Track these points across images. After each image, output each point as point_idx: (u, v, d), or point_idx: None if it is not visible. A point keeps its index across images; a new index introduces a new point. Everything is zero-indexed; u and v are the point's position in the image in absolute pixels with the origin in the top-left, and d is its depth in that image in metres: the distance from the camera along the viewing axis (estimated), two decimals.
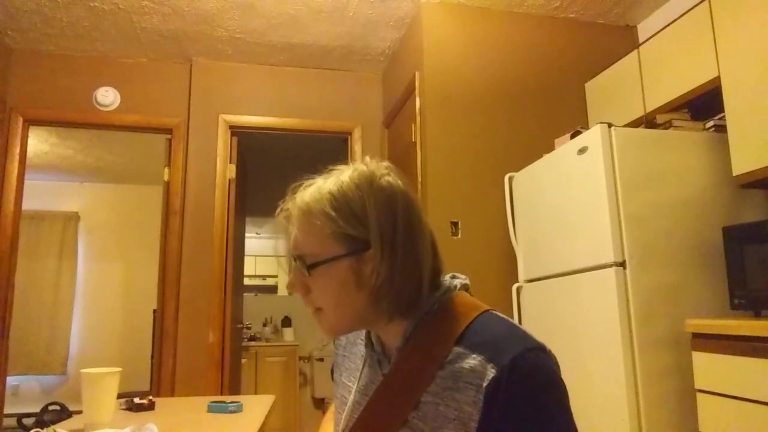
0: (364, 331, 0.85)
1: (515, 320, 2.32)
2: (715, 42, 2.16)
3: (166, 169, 3.40)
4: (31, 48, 3.30)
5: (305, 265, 0.75)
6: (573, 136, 2.29)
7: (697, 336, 1.78)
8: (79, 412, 1.45)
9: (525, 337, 0.69)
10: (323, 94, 3.60)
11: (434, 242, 0.79)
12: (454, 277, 0.81)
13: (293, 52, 3.41)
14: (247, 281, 4.86)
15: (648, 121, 2.47)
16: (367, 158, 0.79)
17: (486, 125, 2.81)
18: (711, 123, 2.24)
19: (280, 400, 4.55)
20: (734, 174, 2.02)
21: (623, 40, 3.07)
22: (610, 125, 2.04)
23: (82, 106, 3.34)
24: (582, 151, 2.12)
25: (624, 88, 2.68)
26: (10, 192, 3.20)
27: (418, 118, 2.83)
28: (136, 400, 1.61)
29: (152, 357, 4.15)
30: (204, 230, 3.30)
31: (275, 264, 6.07)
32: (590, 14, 3.04)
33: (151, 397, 1.64)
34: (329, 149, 3.74)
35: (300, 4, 2.90)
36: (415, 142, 2.85)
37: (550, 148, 2.50)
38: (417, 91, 2.84)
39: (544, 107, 2.90)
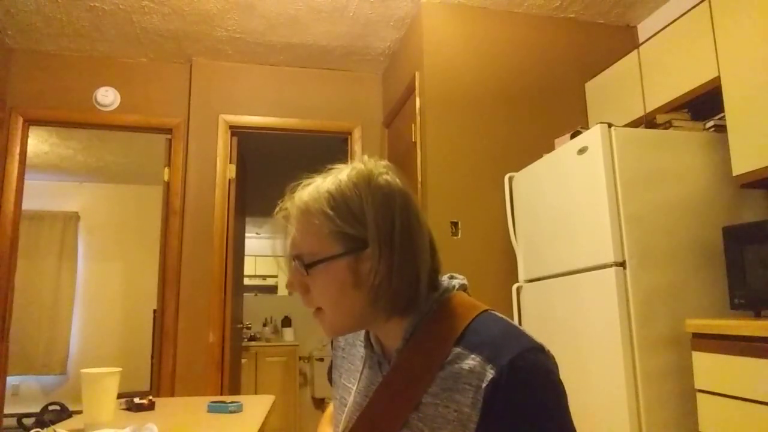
0: (363, 333, 0.85)
1: (515, 320, 2.32)
2: (715, 42, 2.15)
3: (166, 169, 3.40)
4: (31, 48, 3.30)
5: (303, 264, 0.75)
6: (573, 136, 2.29)
7: (697, 336, 1.78)
8: (79, 412, 1.45)
9: (524, 337, 0.69)
10: (323, 94, 3.60)
11: (433, 241, 0.78)
12: (452, 277, 0.81)
13: (293, 52, 3.41)
14: (247, 281, 4.86)
15: (648, 121, 2.46)
16: (366, 157, 0.79)
17: (486, 125, 2.81)
18: (711, 123, 2.24)
19: (280, 400, 4.55)
20: (734, 174, 2.02)
21: (623, 40, 3.07)
22: (610, 125, 2.04)
23: (82, 106, 3.34)
24: (582, 151, 2.12)
25: (624, 88, 2.68)
26: (10, 192, 3.20)
27: (418, 118, 2.83)
28: (136, 400, 1.61)
29: (152, 357, 4.15)
30: (204, 230, 3.30)
31: (275, 264, 6.06)
32: (590, 14, 3.03)
33: (151, 397, 1.64)
34: (329, 149, 3.74)
35: (300, 4, 2.90)
36: (415, 142, 2.85)
37: (550, 148, 2.50)
38: (417, 91, 2.84)
39: (544, 107, 2.90)
